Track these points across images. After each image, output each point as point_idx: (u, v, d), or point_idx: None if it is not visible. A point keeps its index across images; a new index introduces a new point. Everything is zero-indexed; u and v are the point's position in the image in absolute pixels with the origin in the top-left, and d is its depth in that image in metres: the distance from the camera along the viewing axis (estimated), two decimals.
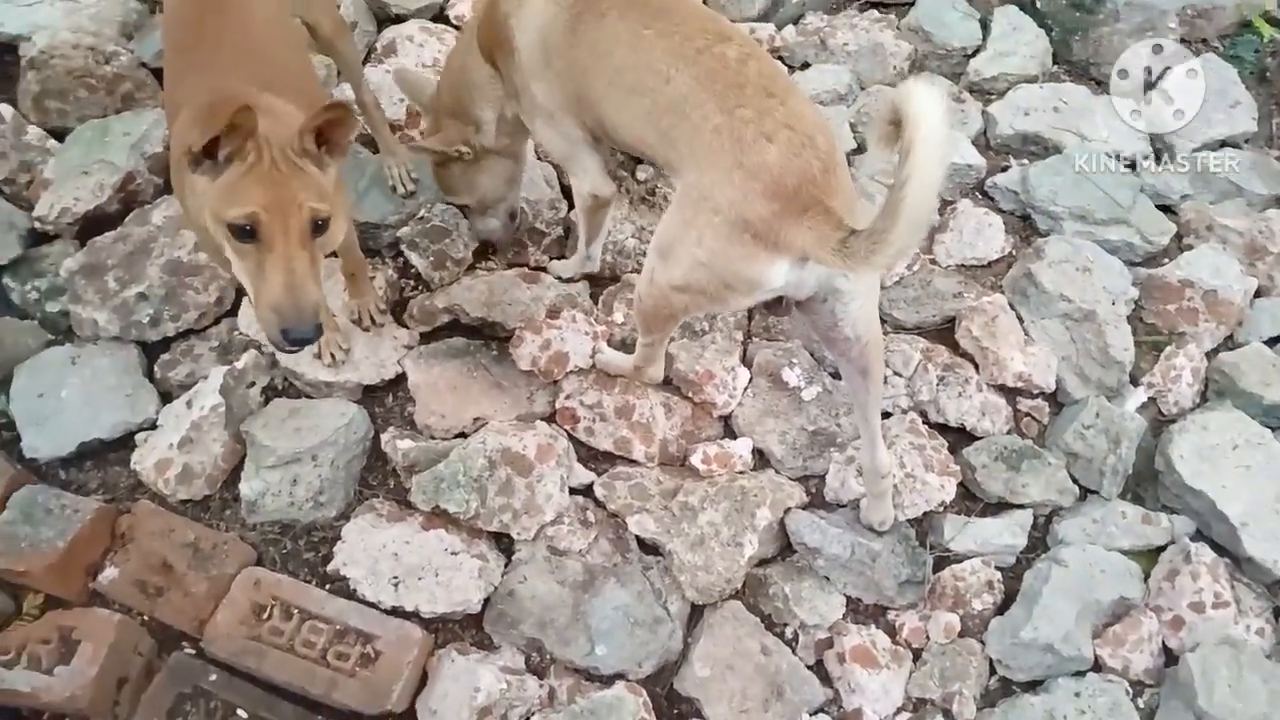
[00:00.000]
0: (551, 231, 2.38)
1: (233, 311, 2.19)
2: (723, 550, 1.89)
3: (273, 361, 2.10)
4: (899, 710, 1.83)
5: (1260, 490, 2.00)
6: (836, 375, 2.13)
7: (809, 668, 1.86)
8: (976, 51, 2.84)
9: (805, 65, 2.80)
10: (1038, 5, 2.94)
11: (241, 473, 1.96)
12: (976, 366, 2.20)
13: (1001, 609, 1.94)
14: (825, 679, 1.86)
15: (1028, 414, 2.18)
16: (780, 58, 2.81)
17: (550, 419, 2.09)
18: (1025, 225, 2.53)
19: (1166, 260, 2.43)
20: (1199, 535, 2.04)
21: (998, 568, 1.98)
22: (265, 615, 1.78)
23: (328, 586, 1.86)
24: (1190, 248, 2.44)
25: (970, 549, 1.98)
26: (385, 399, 2.13)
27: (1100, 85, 2.80)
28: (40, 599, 1.82)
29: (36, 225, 2.24)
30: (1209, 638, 1.85)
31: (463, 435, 2.04)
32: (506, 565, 1.91)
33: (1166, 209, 2.54)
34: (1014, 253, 2.45)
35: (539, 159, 2.47)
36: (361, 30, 2.67)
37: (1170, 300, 2.32)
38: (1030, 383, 2.17)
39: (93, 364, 2.07)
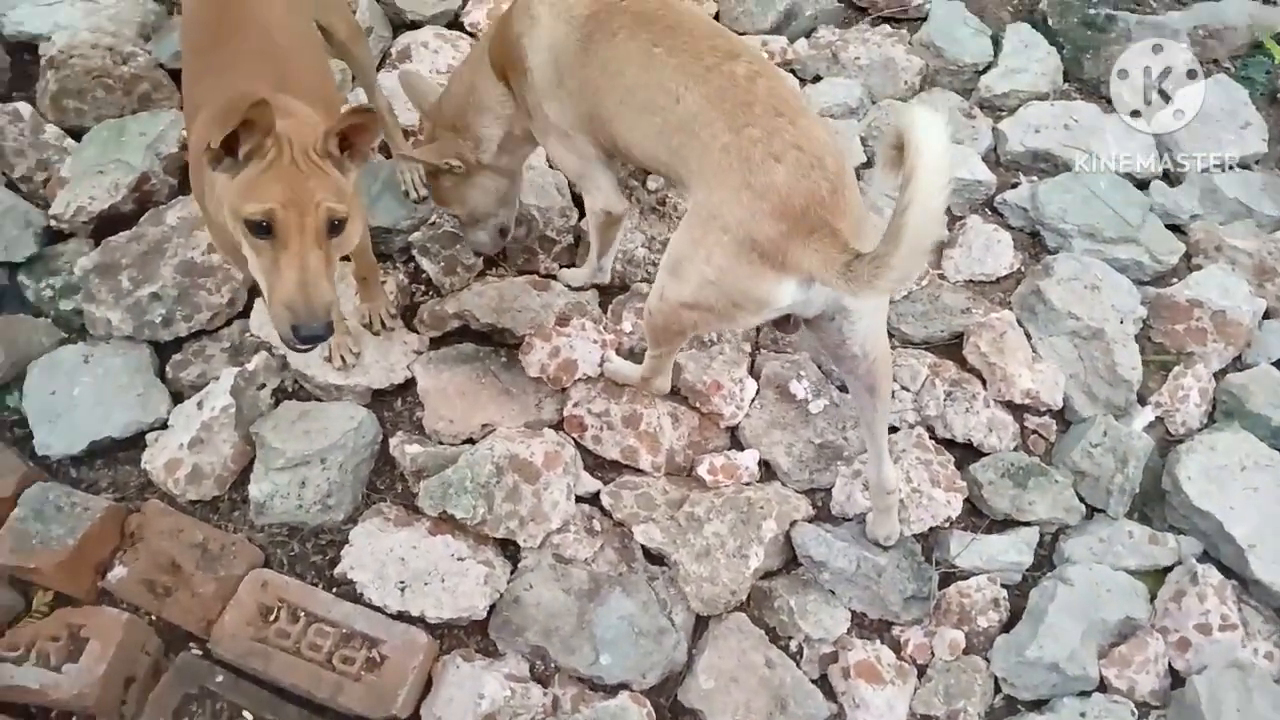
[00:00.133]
0: (562, 239, 2.39)
1: (245, 313, 2.20)
2: (728, 562, 1.90)
3: (283, 364, 2.11)
4: None
5: (1268, 512, 1.99)
6: (844, 388, 2.13)
7: (813, 682, 1.86)
8: (988, 68, 2.85)
9: (817, 78, 2.81)
10: (1049, 23, 2.95)
11: (251, 474, 1.97)
12: (984, 382, 2.21)
13: (1007, 627, 1.94)
14: (829, 693, 1.86)
15: (1035, 431, 2.19)
16: (792, 70, 2.82)
17: (558, 426, 2.10)
18: (1034, 242, 2.53)
19: (1175, 280, 2.43)
20: (1206, 556, 2.03)
21: (1003, 585, 1.98)
22: (272, 617, 1.78)
23: (334, 590, 1.87)
24: (1199, 268, 2.44)
25: (976, 566, 1.98)
26: (394, 403, 2.14)
27: (1111, 104, 2.81)
28: (50, 596, 1.83)
29: (52, 223, 2.26)
30: (1216, 660, 1.84)
31: (471, 441, 2.05)
32: (512, 572, 1.91)
33: (1176, 228, 2.55)
34: (1023, 269, 2.45)
35: (550, 166, 2.48)
36: (377, 35, 2.69)
37: (1179, 320, 2.32)
38: (1038, 400, 2.17)
39: (105, 363, 2.08)
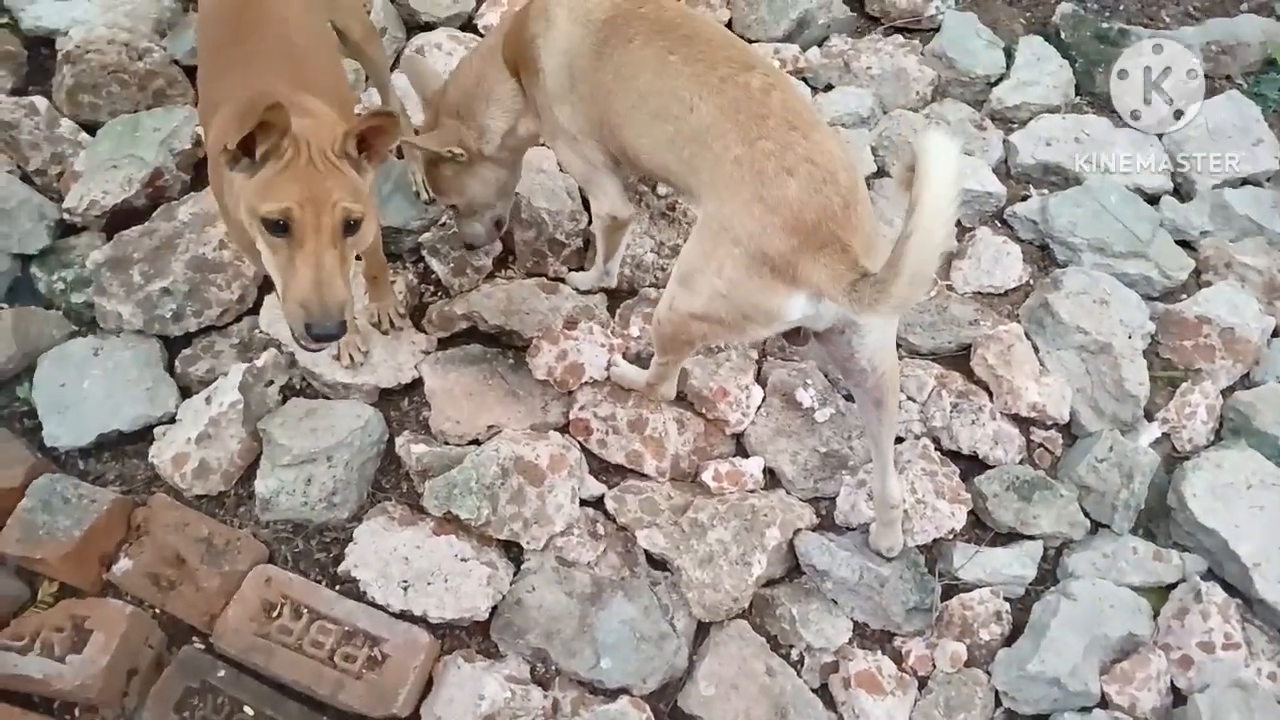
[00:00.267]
0: (571, 243, 2.40)
1: (255, 310, 2.21)
2: (731, 569, 1.90)
3: (292, 361, 2.12)
4: None
5: (1274, 531, 1.99)
6: (850, 398, 2.13)
7: (814, 691, 1.86)
8: (1000, 80, 2.86)
9: (829, 87, 2.82)
10: (1062, 36, 2.95)
11: (257, 470, 1.98)
12: (991, 395, 2.20)
13: (1009, 640, 1.93)
14: (830, 703, 1.86)
15: (1041, 444, 2.18)
16: (804, 79, 2.82)
17: (564, 429, 2.10)
18: (1043, 255, 2.53)
19: (1184, 296, 2.43)
20: (1210, 574, 2.03)
21: (1006, 598, 1.97)
22: (275, 613, 1.79)
23: (338, 587, 1.87)
24: (1209, 284, 2.44)
25: (979, 578, 1.98)
26: (401, 403, 2.15)
27: (1123, 118, 2.81)
28: (55, 587, 1.84)
29: (65, 217, 2.28)
30: (1219, 679, 1.83)
31: (476, 442, 2.05)
32: (515, 574, 1.92)
33: (1186, 244, 2.55)
34: (1031, 282, 2.45)
35: (560, 170, 2.49)
36: (391, 36, 2.70)
37: (1187, 336, 2.32)
38: (1044, 413, 2.17)
39: (115, 356, 2.09)
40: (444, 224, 2.37)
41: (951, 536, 2.02)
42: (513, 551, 1.95)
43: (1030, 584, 2.00)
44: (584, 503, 2.00)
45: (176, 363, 2.13)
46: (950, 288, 2.42)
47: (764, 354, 2.26)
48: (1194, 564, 2.03)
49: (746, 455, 2.11)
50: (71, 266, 2.23)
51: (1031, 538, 2.04)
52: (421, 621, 1.83)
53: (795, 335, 1.66)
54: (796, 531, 1.97)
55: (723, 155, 1.53)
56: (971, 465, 2.13)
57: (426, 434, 2.09)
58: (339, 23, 2.05)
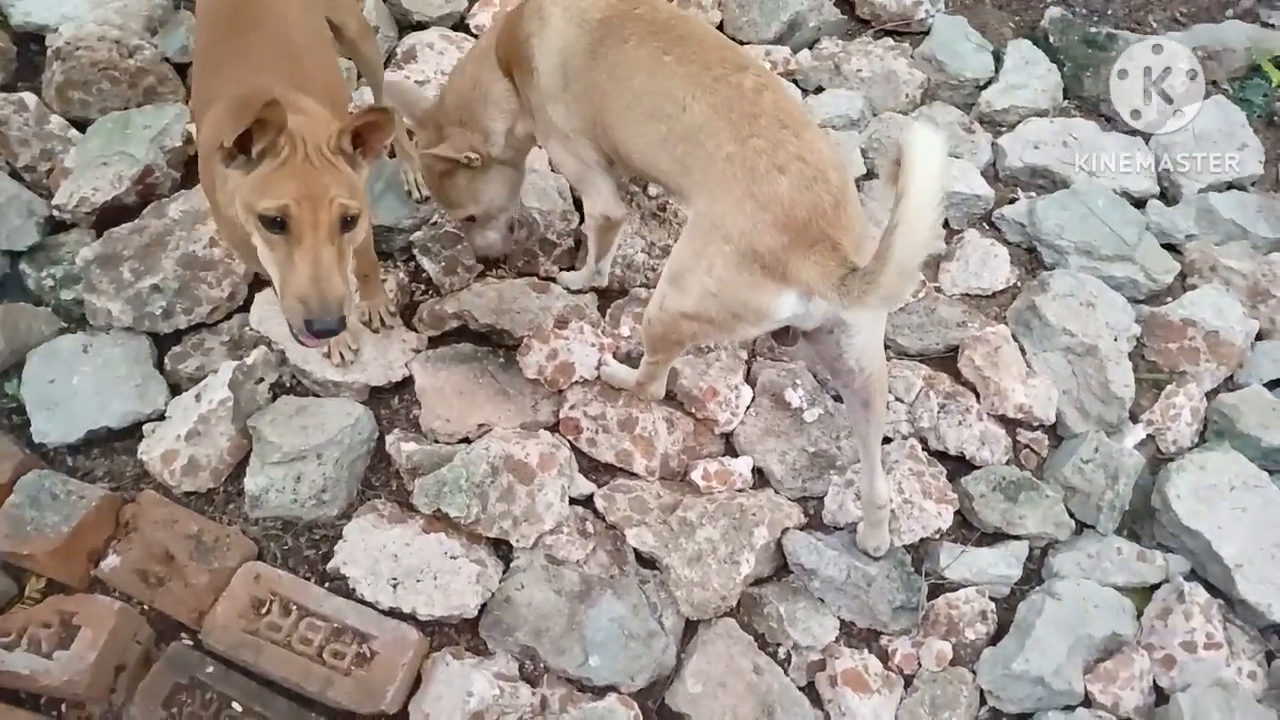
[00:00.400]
0: (562, 242, 2.41)
1: (245, 307, 2.21)
2: (719, 567, 1.91)
3: (282, 358, 2.12)
4: None
5: (1256, 533, 2.01)
6: (839, 398, 2.14)
7: (800, 689, 1.87)
8: (989, 83, 2.88)
9: (819, 89, 2.83)
10: (1051, 40, 2.98)
11: (246, 467, 1.98)
12: (978, 396, 2.22)
13: (994, 639, 1.95)
14: (816, 701, 1.87)
15: (1027, 446, 2.20)
16: (794, 81, 2.84)
17: (554, 428, 2.11)
18: (1031, 257, 2.55)
19: (1170, 299, 2.45)
20: (1193, 575, 2.05)
21: (992, 598, 1.99)
22: (264, 610, 1.79)
23: (327, 584, 1.88)
24: (1194, 287, 2.46)
25: (965, 578, 1.99)
26: (391, 401, 2.15)
27: (1110, 122, 2.84)
28: (43, 583, 1.83)
29: (55, 213, 2.27)
30: (1200, 678, 1.85)
31: (467, 440, 2.06)
32: (504, 572, 1.92)
33: (1171, 248, 2.58)
34: (1019, 284, 2.47)
35: (551, 170, 2.49)
36: (383, 35, 2.70)
37: (1172, 339, 2.34)
38: (1030, 414, 2.19)
39: (104, 353, 2.09)
40: (435, 223, 2.37)
41: (938, 536, 2.04)
42: (502, 549, 1.96)
43: (1015, 584, 2.02)
44: (573, 501, 2.01)
45: (166, 360, 2.12)
46: (938, 289, 2.44)
47: (753, 354, 2.27)
48: (1177, 565, 2.05)
49: (735, 454, 2.13)
50: (61, 263, 2.22)
51: (1017, 538, 2.06)
52: (410, 619, 1.83)
53: (784, 335, 1.67)
54: (784, 530, 1.99)
55: (715, 153, 1.55)
56: (958, 466, 2.14)
57: (417, 432, 2.09)
58: (335, 19, 2.05)
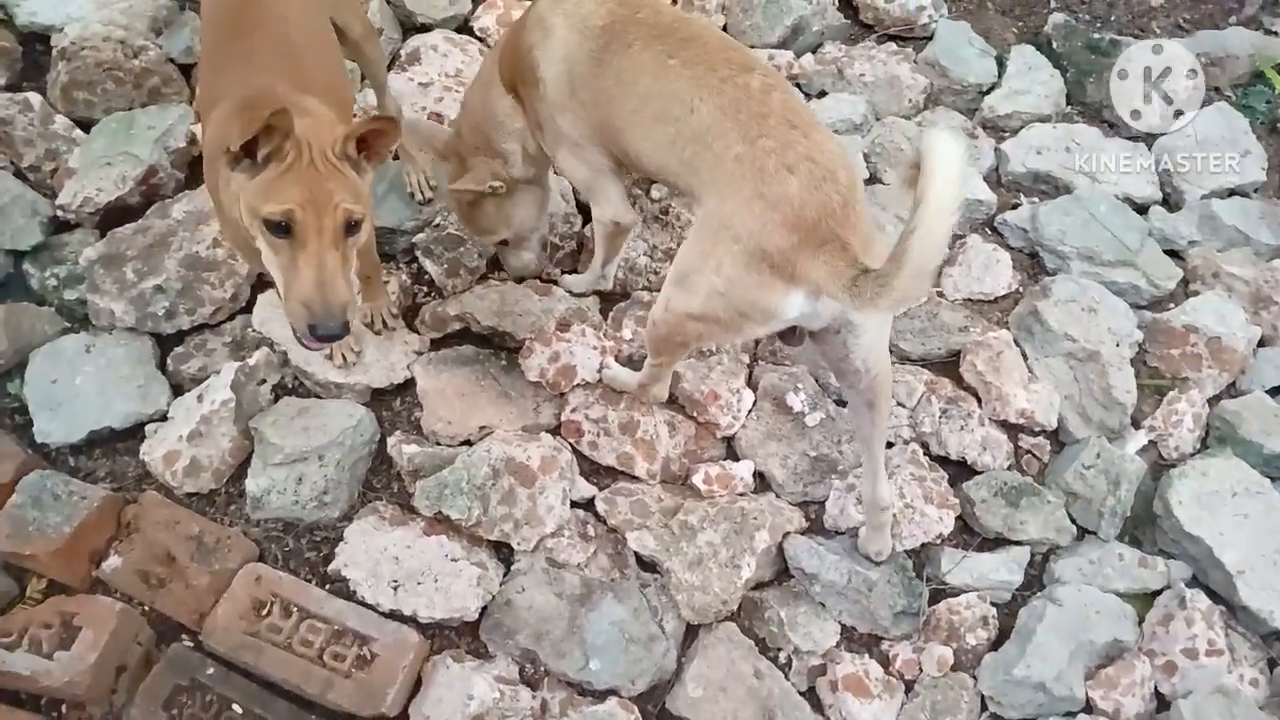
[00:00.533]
0: (565, 245, 2.41)
1: (247, 308, 2.21)
2: (720, 571, 1.91)
3: (284, 360, 2.12)
4: None
5: (1258, 539, 2.01)
6: (841, 402, 2.15)
7: (801, 694, 1.87)
8: (992, 88, 2.88)
9: (822, 94, 2.83)
10: (1054, 46, 2.98)
11: (248, 469, 1.98)
12: (979, 401, 2.22)
13: (995, 645, 1.95)
14: (817, 706, 1.87)
15: (1029, 451, 2.20)
16: (798, 85, 2.84)
17: (555, 431, 2.11)
18: (1033, 263, 2.55)
19: (1172, 305, 2.45)
20: (1195, 581, 2.05)
21: (993, 603, 1.99)
22: (265, 612, 1.79)
23: (328, 586, 1.88)
24: (1196, 294, 2.46)
25: (966, 583, 1.99)
26: (393, 403, 2.15)
27: (1113, 128, 2.84)
28: (44, 583, 1.84)
29: (59, 213, 2.27)
30: (1202, 685, 1.85)
31: (468, 443, 2.06)
32: (505, 575, 1.92)
33: (1174, 254, 2.57)
34: (1021, 290, 2.47)
35: (554, 173, 2.49)
36: (386, 37, 2.70)
37: (1174, 345, 2.34)
38: (1032, 420, 2.19)
39: (107, 353, 2.09)
40: (438, 225, 2.38)
41: (939, 541, 2.04)
42: (503, 552, 1.96)
43: (1017, 589, 2.02)
44: (575, 504, 2.01)
45: (169, 360, 2.13)
46: (941, 294, 2.44)
47: (755, 358, 2.27)
48: (1179, 571, 2.05)
49: (737, 458, 2.13)
50: (64, 263, 2.23)
51: (1019, 543, 2.05)
52: (411, 621, 1.83)
53: (790, 335, 1.67)
54: (786, 535, 1.99)
55: (724, 154, 1.55)
56: (960, 471, 2.14)
57: (418, 434, 2.09)
58: (339, 20, 2.05)
